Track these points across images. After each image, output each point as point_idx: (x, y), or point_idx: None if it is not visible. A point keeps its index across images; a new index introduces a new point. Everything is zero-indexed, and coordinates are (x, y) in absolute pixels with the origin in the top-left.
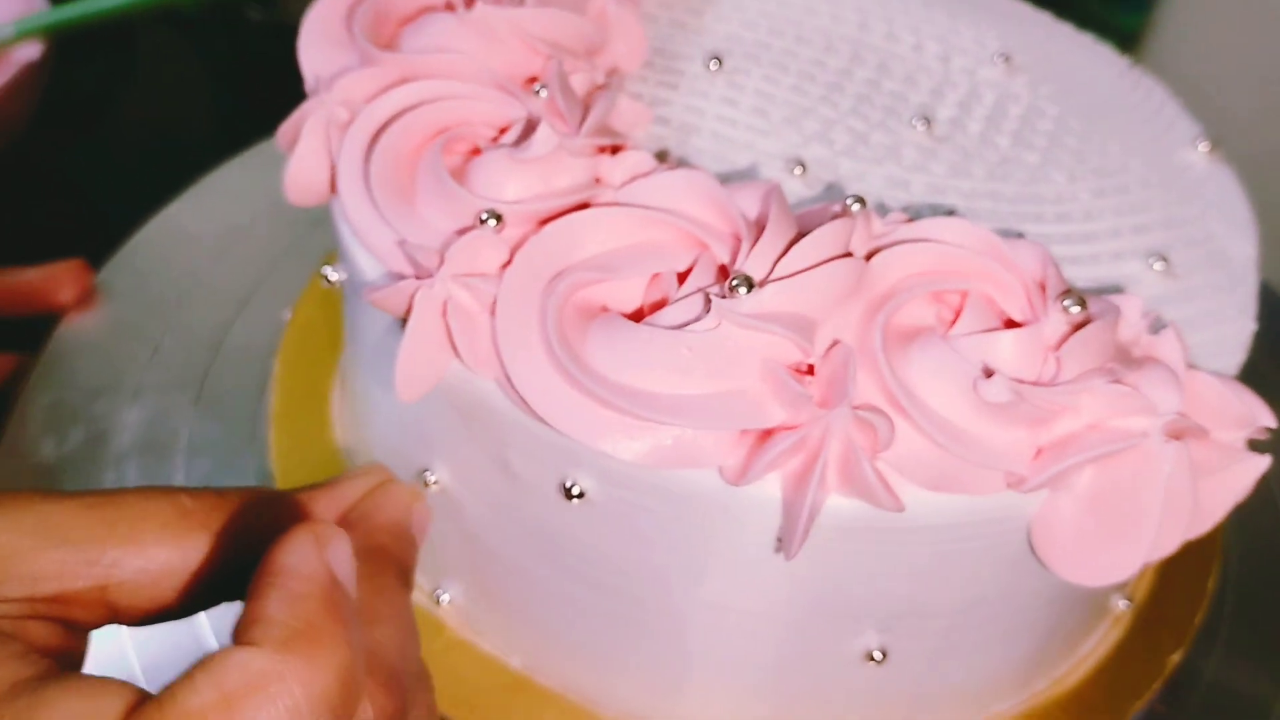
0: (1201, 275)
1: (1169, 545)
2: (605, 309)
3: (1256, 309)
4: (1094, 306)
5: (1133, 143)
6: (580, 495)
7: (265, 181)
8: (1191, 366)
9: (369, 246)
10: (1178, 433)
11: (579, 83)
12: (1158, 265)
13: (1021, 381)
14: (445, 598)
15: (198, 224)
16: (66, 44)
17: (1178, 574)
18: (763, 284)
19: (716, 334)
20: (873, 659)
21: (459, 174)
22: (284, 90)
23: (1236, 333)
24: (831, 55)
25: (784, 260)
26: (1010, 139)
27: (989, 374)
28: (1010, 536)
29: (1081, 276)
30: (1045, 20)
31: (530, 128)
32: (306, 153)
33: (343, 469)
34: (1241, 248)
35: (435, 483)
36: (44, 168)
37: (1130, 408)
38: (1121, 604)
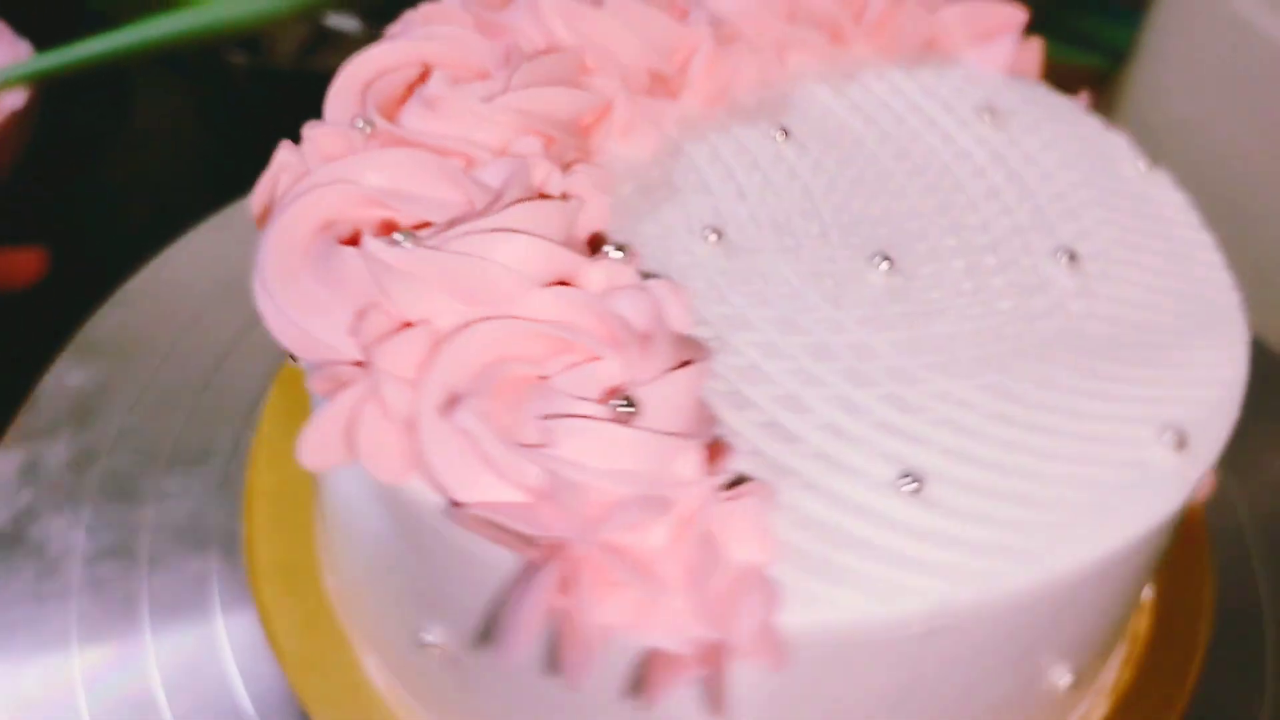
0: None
1: None
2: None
3: None
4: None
5: (1089, 412)
6: None
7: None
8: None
9: None
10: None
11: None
12: (908, 487)
13: (500, 426)
14: None
15: (189, 274)
16: (57, 89)
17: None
18: (418, 240)
19: (352, 256)
20: None
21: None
22: (270, 134)
23: None
24: (897, 161)
25: (455, 232)
26: (956, 321)
27: (457, 400)
28: None
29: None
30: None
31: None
32: None
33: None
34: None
35: None
36: (33, 214)
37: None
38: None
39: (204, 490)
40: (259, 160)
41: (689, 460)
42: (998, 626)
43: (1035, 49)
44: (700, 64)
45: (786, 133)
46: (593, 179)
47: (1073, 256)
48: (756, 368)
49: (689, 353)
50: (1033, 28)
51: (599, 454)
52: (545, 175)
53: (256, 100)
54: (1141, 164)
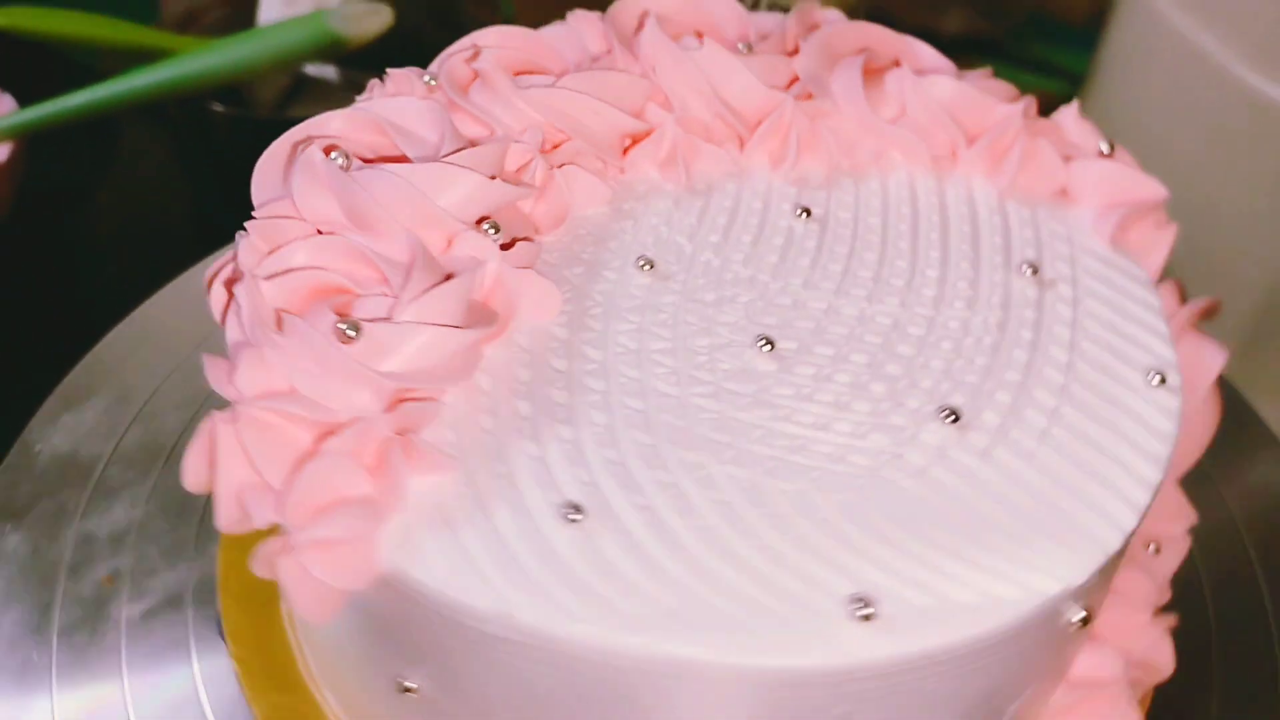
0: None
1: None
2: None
3: None
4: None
5: (817, 549)
6: None
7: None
8: None
9: None
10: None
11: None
12: (573, 515)
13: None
14: None
15: (174, 321)
16: (43, 139)
17: None
18: (348, 163)
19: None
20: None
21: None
22: (251, 180)
23: None
24: (892, 275)
25: (382, 168)
26: (778, 421)
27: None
28: None
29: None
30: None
31: None
32: None
33: None
34: None
35: None
36: (20, 264)
37: None
38: None
39: (181, 537)
40: (241, 207)
41: (369, 392)
42: (553, 662)
43: (1165, 236)
44: (769, 127)
45: (809, 212)
46: (577, 183)
47: (956, 419)
48: (569, 377)
49: (474, 322)
50: (993, 55)
51: (298, 351)
52: (528, 162)
53: (238, 148)
54: (1156, 380)
